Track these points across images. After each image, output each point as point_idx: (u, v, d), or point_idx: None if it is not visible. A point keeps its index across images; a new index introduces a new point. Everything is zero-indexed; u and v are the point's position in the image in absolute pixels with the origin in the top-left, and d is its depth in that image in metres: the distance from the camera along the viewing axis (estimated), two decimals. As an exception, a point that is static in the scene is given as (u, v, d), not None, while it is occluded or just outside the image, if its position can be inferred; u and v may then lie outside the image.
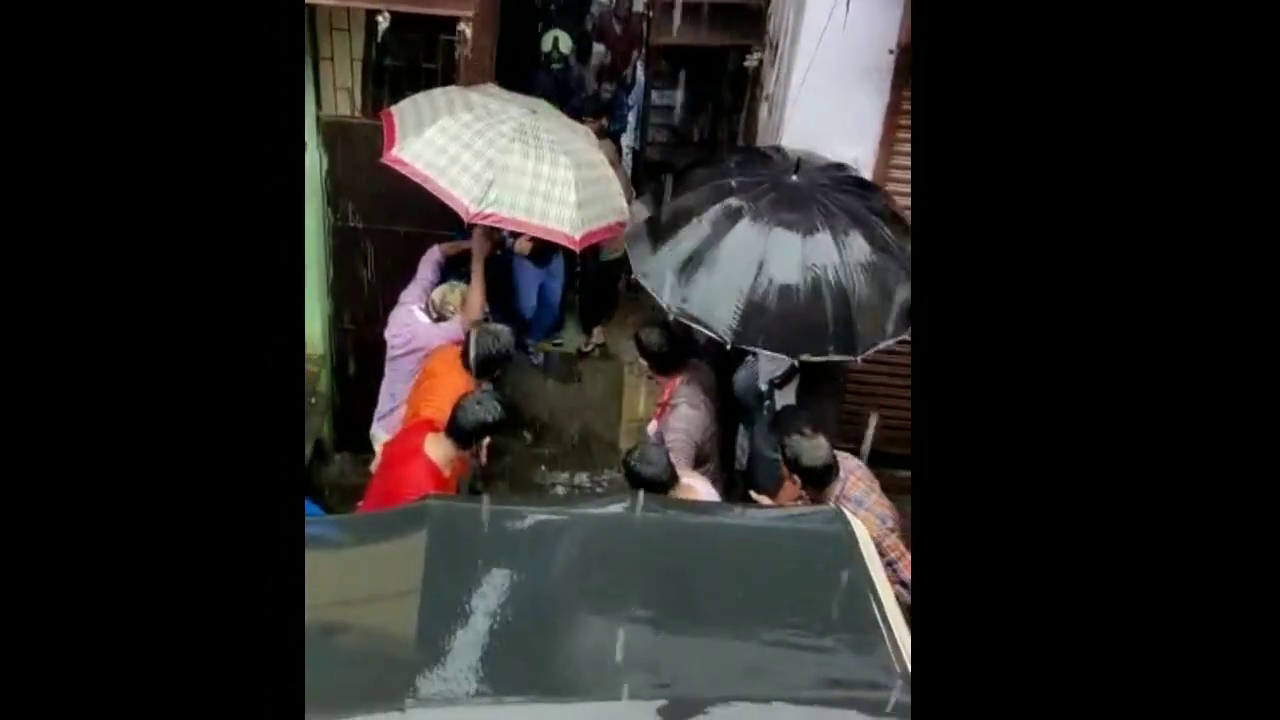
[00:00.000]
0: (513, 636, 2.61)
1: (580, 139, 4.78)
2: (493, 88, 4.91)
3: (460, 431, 3.91)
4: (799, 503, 3.77)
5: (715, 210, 4.11)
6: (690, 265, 4.02)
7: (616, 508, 3.18)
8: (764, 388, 4.67)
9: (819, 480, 3.67)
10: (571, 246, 4.46)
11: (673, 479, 3.69)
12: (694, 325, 4.04)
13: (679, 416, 4.27)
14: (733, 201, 4.12)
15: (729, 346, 3.95)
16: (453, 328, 4.59)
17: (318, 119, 5.28)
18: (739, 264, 3.96)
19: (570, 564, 2.97)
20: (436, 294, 4.73)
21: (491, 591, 2.74)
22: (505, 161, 4.27)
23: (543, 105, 4.91)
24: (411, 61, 5.20)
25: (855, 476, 3.80)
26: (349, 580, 3.01)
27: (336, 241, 5.70)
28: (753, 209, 4.07)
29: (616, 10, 8.75)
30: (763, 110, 6.18)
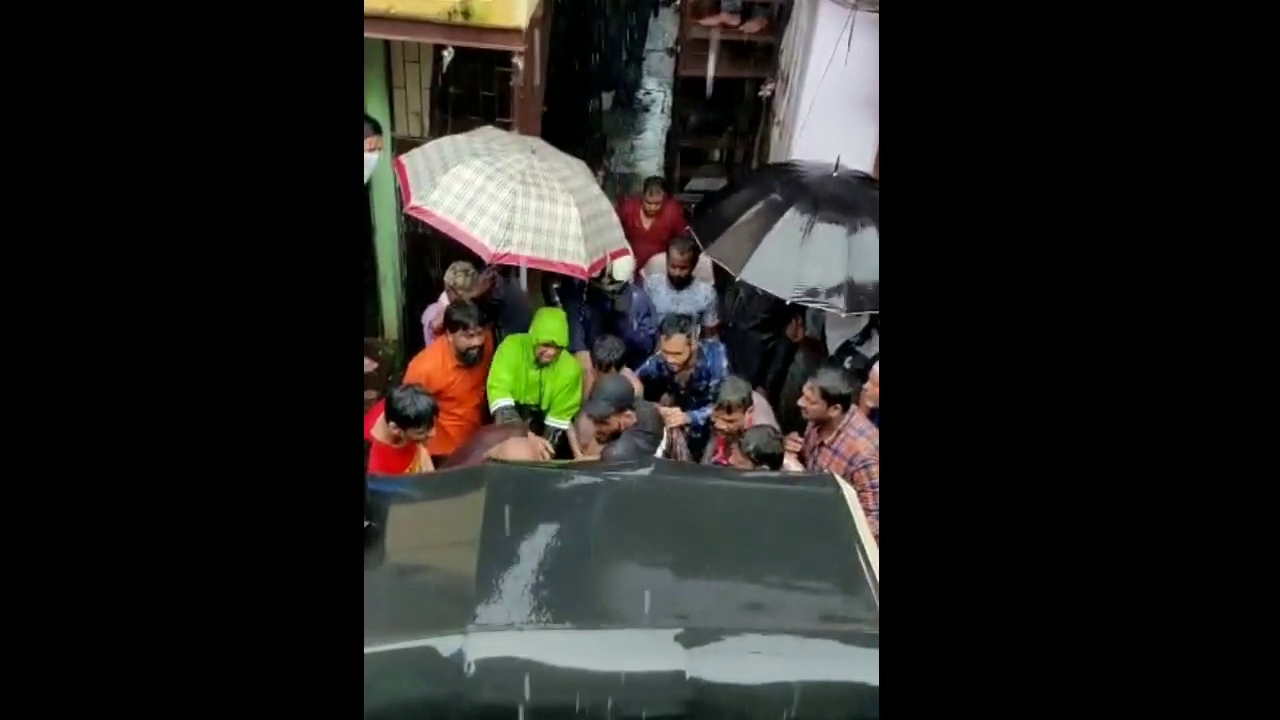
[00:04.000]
0: (556, 576, 2.72)
1: (579, 175, 4.75)
2: (491, 130, 4.88)
3: (388, 416, 3.73)
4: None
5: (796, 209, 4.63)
6: (797, 258, 4.48)
7: (644, 470, 3.29)
8: (833, 350, 4.98)
9: (846, 404, 4.01)
10: (583, 277, 4.47)
11: (783, 456, 3.93)
12: (810, 304, 4.57)
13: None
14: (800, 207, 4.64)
15: (843, 315, 4.46)
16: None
17: (393, 139, 5.39)
18: (832, 251, 4.47)
19: (603, 517, 3.08)
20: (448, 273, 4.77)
21: (538, 539, 2.86)
22: (517, 203, 4.27)
23: (539, 144, 4.88)
24: (471, 89, 5.32)
25: (860, 413, 4.10)
26: (421, 529, 3.13)
27: (408, 244, 5.83)
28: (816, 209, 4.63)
29: (645, 203, 5.95)
30: (774, 134, 6.26)
